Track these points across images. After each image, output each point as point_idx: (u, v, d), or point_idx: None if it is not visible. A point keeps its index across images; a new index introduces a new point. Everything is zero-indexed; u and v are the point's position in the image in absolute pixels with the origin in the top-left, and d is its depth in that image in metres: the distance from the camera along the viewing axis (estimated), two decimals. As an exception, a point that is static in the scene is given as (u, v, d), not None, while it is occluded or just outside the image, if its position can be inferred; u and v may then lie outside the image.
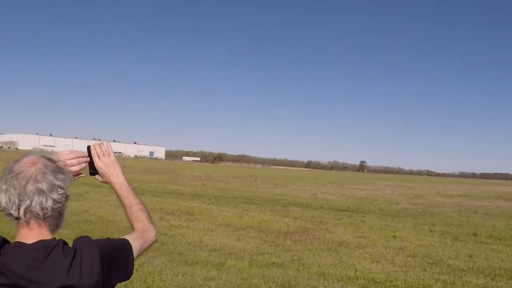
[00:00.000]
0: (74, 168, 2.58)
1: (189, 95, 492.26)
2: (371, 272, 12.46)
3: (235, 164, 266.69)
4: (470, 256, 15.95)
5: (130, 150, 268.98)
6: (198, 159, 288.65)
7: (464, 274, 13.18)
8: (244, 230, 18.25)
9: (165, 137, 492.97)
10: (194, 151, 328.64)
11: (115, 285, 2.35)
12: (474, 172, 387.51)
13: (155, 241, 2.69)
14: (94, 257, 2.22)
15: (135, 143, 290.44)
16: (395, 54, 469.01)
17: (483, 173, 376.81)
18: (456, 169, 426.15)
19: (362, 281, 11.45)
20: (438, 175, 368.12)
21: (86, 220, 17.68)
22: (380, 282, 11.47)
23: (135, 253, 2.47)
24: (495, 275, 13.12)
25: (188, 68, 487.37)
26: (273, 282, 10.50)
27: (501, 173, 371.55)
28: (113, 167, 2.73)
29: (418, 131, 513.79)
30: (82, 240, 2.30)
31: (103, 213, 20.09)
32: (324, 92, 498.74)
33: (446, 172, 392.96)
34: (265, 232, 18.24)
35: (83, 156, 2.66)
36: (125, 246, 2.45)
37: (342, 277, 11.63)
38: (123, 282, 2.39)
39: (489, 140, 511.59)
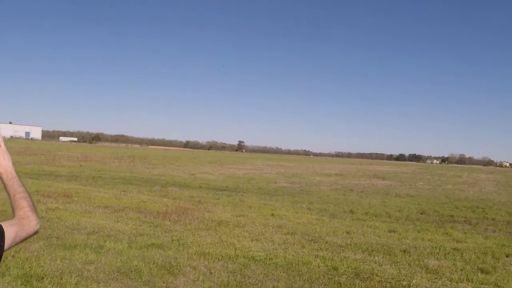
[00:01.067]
0: None
1: (67, 73, 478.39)
2: (251, 250, 12.60)
3: (113, 144, 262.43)
4: (347, 232, 16.44)
5: (5, 130, 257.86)
6: (76, 139, 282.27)
7: (342, 250, 13.57)
8: (123, 211, 18.03)
9: (42, 117, 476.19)
10: (72, 131, 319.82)
11: None
12: (350, 152, 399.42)
13: (37, 231, 2.62)
14: None
15: (10, 123, 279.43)
16: (271, 32, 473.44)
17: (359, 153, 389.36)
18: (332, 149, 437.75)
19: (242, 259, 11.55)
20: (315, 154, 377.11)
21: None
22: (260, 260, 11.61)
23: (8, 240, 2.38)
24: (372, 250, 13.60)
25: (64, 45, 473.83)
26: (153, 263, 10.44)
27: (376, 153, 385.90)
28: (2, 157, 2.65)
29: (296, 112, 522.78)
30: None
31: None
32: (201, 72, 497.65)
33: (323, 152, 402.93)
34: (143, 213, 18.09)
35: None
36: None
37: (222, 256, 11.70)
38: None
39: (364, 121, 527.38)
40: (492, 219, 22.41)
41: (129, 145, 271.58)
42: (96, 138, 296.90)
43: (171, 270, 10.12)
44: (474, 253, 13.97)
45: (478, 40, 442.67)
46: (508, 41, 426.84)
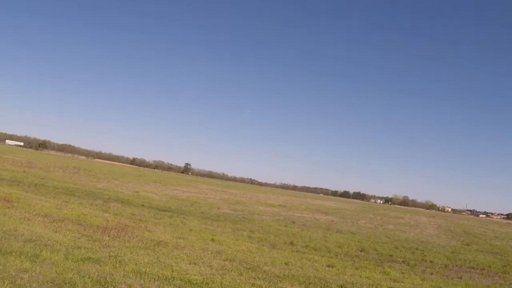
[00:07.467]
0: None
1: (17, 75, 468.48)
2: (188, 273, 12.53)
3: (59, 153, 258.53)
4: (286, 263, 16.49)
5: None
6: (22, 144, 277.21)
7: (280, 280, 13.59)
8: (62, 222, 17.78)
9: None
10: (18, 135, 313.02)
11: None
12: (296, 184, 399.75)
13: None
14: None
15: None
16: (219, 58, 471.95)
17: (304, 186, 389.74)
18: (278, 180, 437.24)
19: (179, 281, 11.49)
20: (260, 184, 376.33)
21: None
22: (196, 283, 11.55)
23: None
24: (309, 283, 13.66)
25: (17, 47, 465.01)
26: (89, 278, 10.29)
27: (321, 188, 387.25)
28: None
29: (243, 139, 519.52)
30: None
31: None
32: (153, 89, 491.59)
33: (269, 182, 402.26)
34: (83, 225, 17.87)
35: None
36: None
37: (158, 277, 11.61)
38: None
39: (311, 156, 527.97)
40: (431, 262, 22.76)
41: (75, 155, 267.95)
42: (43, 145, 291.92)
43: (106, 286, 10.00)
44: (410, 293, 14.19)
45: (421, 86, 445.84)
46: (449, 88, 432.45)
